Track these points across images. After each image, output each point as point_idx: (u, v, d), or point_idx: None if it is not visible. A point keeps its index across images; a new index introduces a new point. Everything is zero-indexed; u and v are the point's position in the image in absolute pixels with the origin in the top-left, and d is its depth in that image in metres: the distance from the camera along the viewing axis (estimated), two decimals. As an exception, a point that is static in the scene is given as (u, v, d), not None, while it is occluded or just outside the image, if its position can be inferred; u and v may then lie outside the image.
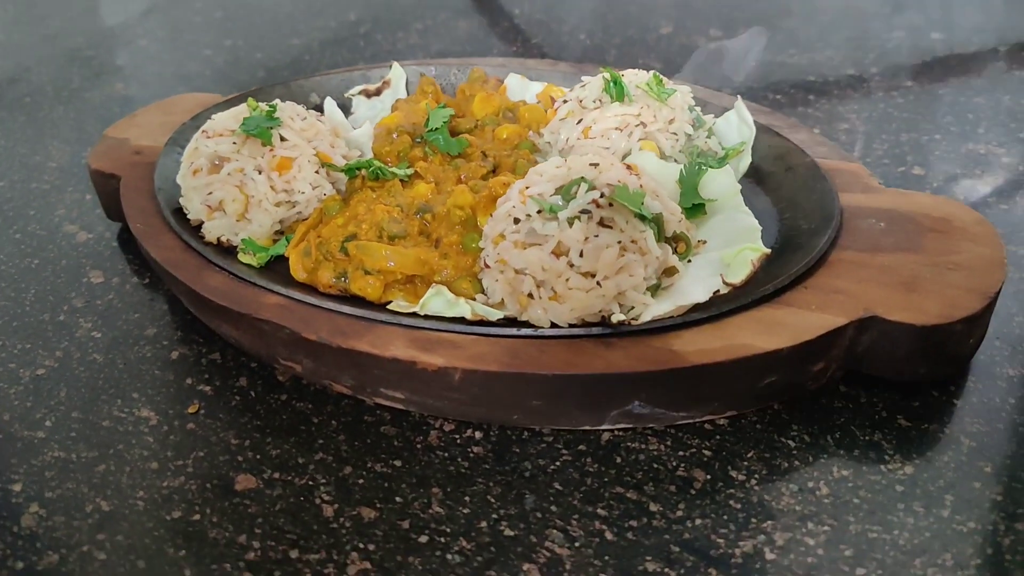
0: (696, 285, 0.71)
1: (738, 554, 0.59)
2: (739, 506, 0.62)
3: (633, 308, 0.68)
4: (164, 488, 0.65)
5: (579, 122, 0.87)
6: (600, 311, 0.68)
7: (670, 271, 0.71)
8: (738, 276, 0.71)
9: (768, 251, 0.73)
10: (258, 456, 0.67)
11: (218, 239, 0.81)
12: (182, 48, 1.43)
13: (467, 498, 0.64)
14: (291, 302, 0.72)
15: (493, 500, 0.63)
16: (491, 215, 0.73)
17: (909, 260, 0.72)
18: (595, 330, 0.67)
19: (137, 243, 0.83)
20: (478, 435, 0.69)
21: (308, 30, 1.46)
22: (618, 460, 0.66)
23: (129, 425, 0.70)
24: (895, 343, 0.67)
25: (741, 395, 0.68)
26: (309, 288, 0.75)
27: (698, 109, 0.91)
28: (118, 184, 0.88)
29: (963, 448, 0.65)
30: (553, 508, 0.63)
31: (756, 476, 0.64)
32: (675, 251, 0.73)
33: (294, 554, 0.60)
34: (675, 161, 0.85)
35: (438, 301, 0.70)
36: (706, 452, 0.66)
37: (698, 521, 0.61)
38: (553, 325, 0.68)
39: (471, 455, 0.67)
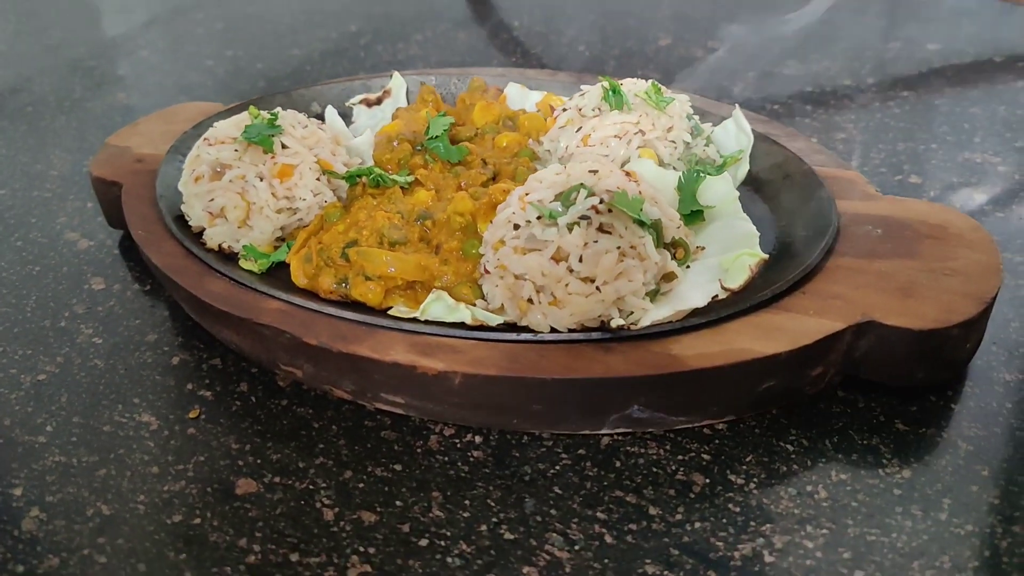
0: (695, 290, 0.71)
1: (737, 557, 0.59)
2: (738, 509, 0.62)
3: (632, 313, 0.69)
4: (165, 492, 0.65)
5: (578, 130, 0.88)
6: (599, 316, 0.68)
7: (669, 276, 0.72)
8: (736, 281, 0.72)
9: (766, 256, 0.74)
10: (259, 460, 0.67)
11: (219, 246, 0.81)
12: (183, 58, 1.44)
13: (467, 502, 0.64)
14: (292, 307, 0.72)
15: (493, 504, 0.64)
16: (491, 221, 0.74)
17: (906, 266, 0.73)
18: (594, 335, 0.68)
19: (139, 250, 0.83)
20: (478, 439, 0.69)
21: (309, 41, 1.47)
22: (617, 464, 0.66)
23: (130, 430, 0.71)
24: (892, 348, 0.68)
25: (740, 399, 0.68)
26: (310, 294, 0.75)
27: (696, 117, 0.91)
28: (119, 192, 0.89)
29: (960, 452, 0.66)
30: (553, 512, 0.63)
31: (755, 480, 0.64)
32: (674, 257, 0.73)
33: (294, 558, 0.60)
34: (673, 169, 0.85)
35: (438, 306, 0.71)
36: (705, 456, 0.66)
37: (697, 524, 0.61)
38: (553, 330, 0.68)
39: (471, 459, 0.67)
